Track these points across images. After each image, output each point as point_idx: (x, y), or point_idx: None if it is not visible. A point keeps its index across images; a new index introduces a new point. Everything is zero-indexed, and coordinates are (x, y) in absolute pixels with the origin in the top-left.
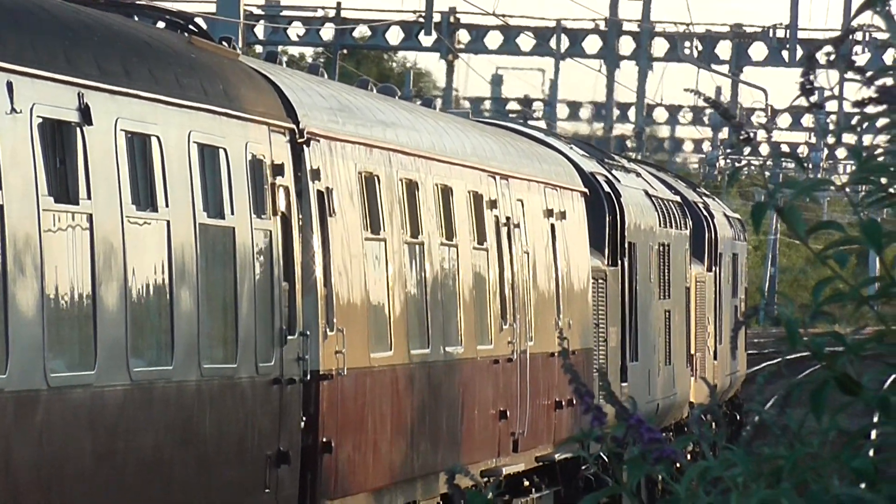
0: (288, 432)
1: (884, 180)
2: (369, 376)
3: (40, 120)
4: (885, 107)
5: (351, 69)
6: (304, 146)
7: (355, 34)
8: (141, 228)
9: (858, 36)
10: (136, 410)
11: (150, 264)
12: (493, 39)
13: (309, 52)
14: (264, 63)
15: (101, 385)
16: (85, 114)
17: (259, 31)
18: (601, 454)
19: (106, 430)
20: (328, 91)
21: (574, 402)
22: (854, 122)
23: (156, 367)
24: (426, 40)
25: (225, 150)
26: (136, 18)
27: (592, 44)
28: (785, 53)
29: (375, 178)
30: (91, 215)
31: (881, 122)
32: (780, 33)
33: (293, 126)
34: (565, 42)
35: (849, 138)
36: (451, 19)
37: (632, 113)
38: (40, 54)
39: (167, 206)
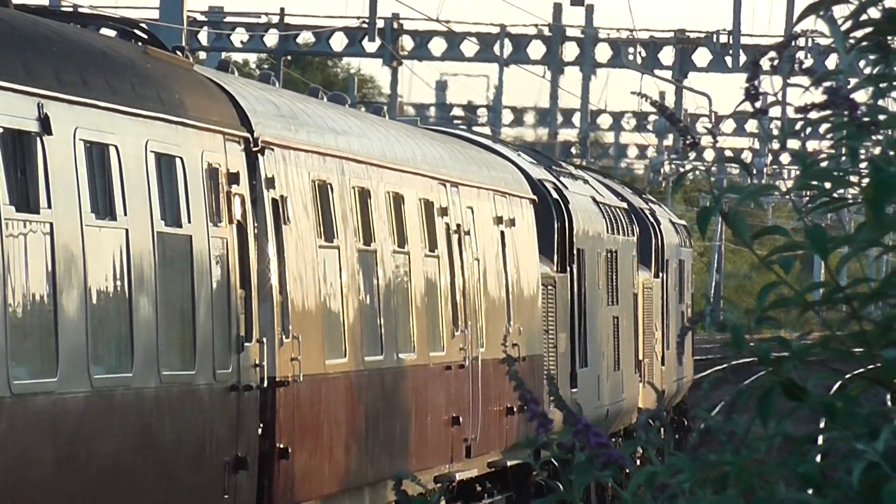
0: (245, 438)
1: (828, 185)
2: (324, 383)
3: (1, 130)
4: (827, 112)
5: (296, 76)
6: (259, 155)
7: (299, 40)
8: (100, 236)
9: (801, 42)
10: (97, 417)
11: (109, 272)
12: (437, 45)
13: (253, 58)
14: (218, 72)
15: (63, 392)
16: (45, 124)
17: (202, 37)
18: (551, 459)
19: (67, 437)
20: (281, 100)
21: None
22: (798, 127)
23: (116, 374)
24: (370, 46)
25: (181, 158)
26: (91, 28)
27: (536, 50)
28: (728, 59)
29: (328, 186)
30: (51, 224)
31: (824, 127)
32: (724, 39)
33: (248, 135)
34: (509, 48)
35: (792, 144)
36: (395, 25)
37: (576, 119)
38: (0, 65)
39: (125, 214)
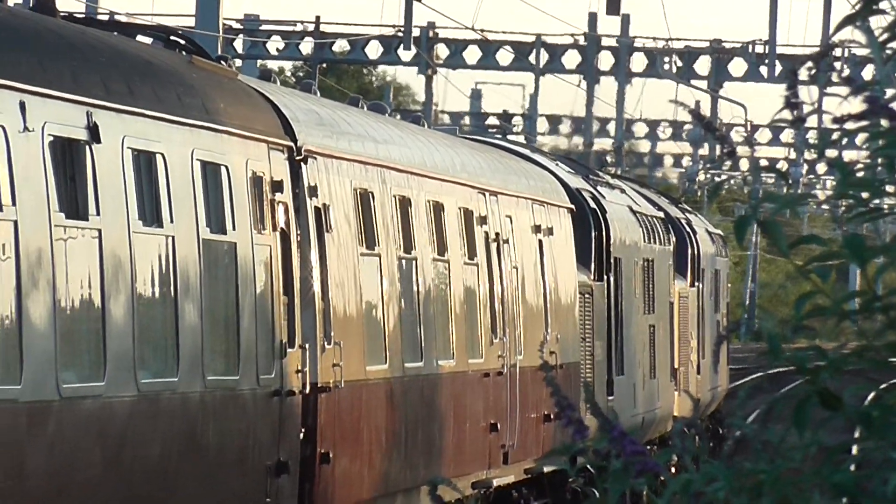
0: (287, 443)
1: (865, 195)
2: (365, 389)
3: (51, 138)
4: (865, 122)
5: (331, 84)
6: (302, 163)
7: (335, 48)
8: (147, 243)
9: (837, 52)
10: (143, 421)
11: (155, 279)
12: (472, 54)
13: (288, 66)
14: (261, 82)
15: (110, 396)
16: (93, 132)
17: (238, 44)
18: (587, 466)
19: (114, 440)
20: (323, 109)
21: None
22: (834, 137)
23: (161, 379)
24: (405, 55)
25: (226, 167)
26: (134, 37)
27: (571, 59)
28: (764, 69)
29: (370, 195)
30: (100, 230)
31: (861, 137)
32: (759, 49)
33: (291, 143)
34: (544, 57)
35: (829, 154)
36: (430, 34)
37: (611, 127)
38: (50, 75)
39: (172, 221)
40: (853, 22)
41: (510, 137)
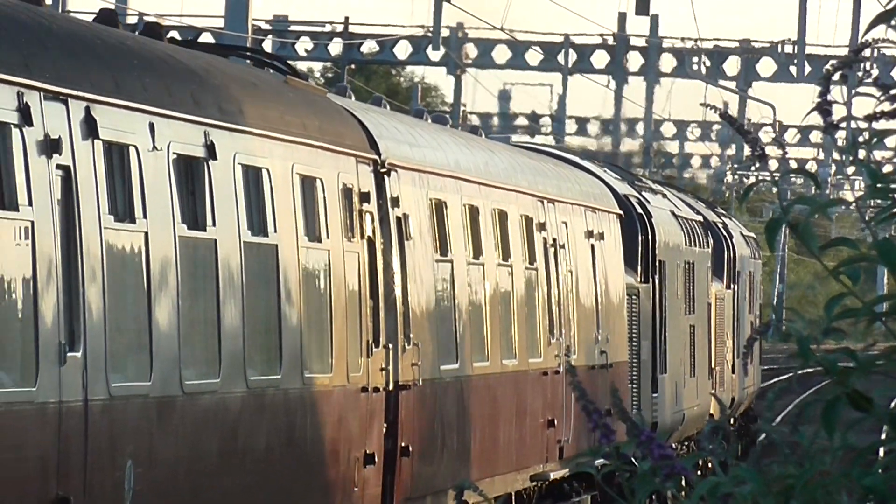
0: (373, 436)
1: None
2: (439, 387)
3: (175, 156)
4: (895, 123)
5: (359, 84)
6: (385, 175)
7: (363, 49)
8: (255, 253)
9: (867, 52)
10: (252, 414)
11: (262, 285)
12: (501, 54)
13: (317, 66)
14: (346, 99)
15: (224, 392)
16: (210, 150)
17: (267, 45)
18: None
19: (228, 432)
20: (401, 124)
21: (611, 412)
22: (863, 138)
23: (266, 376)
24: (434, 55)
25: (321, 179)
26: (232, 59)
27: (600, 59)
28: (793, 69)
29: (444, 204)
30: (215, 241)
31: (892, 139)
32: (788, 49)
33: (376, 157)
34: (573, 57)
35: (859, 154)
36: (459, 34)
37: (640, 128)
38: (174, 97)
39: (276, 231)
40: (886, 20)
41: (538, 138)
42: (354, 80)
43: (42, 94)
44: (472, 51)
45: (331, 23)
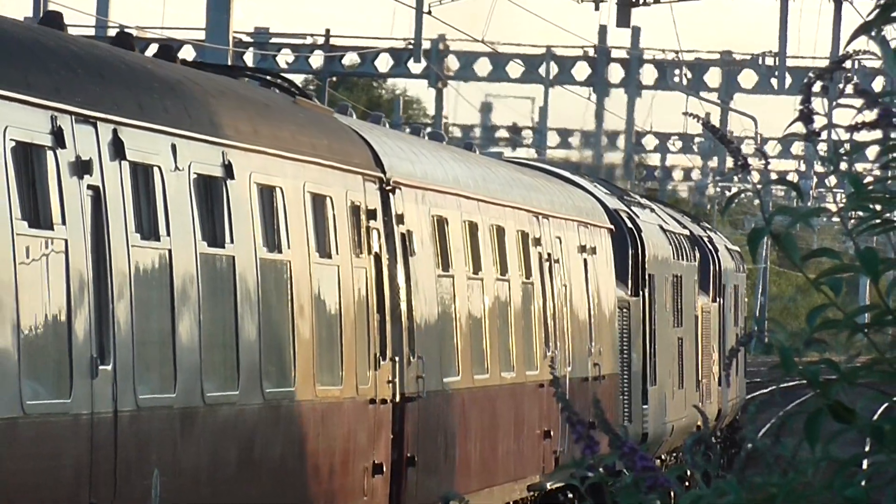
0: (381, 447)
1: (878, 207)
2: (443, 399)
3: (195, 176)
4: (877, 134)
5: (341, 97)
6: (390, 193)
7: (344, 61)
8: (270, 268)
9: (847, 64)
10: (268, 425)
11: (277, 300)
12: (482, 66)
13: (298, 79)
14: (352, 119)
15: (243, 403)
16: (228, 169)
17: (248, 57)
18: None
19: (246, 442)
20: (402, 142)
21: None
22: (843, 149)
23: (281, 388)
24: (415, 67)
25: (330, 197)
26: (240, 79)
27: (581, 71)
28: (774, 81)
29: (445, 221)
30: (233, 257)
31: (872, 150)
32: (769, 61)
33: (381, 175)
34: (554, 69)
35: (841, 166)
36: (441, 46)
37: (621, 140)
38: (193, 119)
39: (288, 248)
40: (868, 31)
41: (520, 151)
42: (336, 93)
43: (73, 117)
44: (453, 63)
45: (312, 35)
